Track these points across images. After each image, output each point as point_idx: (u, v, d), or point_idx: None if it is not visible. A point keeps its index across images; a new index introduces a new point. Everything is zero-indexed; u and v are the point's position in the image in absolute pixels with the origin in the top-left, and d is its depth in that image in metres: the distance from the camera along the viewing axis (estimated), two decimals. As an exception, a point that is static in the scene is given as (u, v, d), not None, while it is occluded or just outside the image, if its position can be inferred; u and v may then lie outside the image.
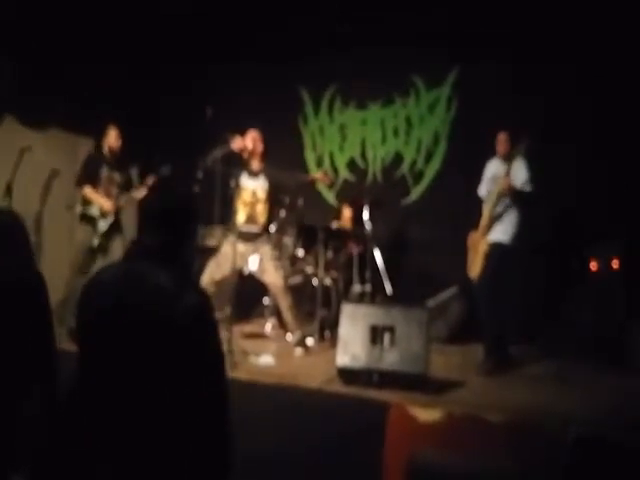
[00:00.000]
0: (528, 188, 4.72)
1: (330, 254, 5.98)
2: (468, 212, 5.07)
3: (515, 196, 4.73)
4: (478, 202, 5.02)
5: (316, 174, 6.26)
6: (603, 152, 5.53)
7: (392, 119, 6.97)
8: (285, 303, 5.24)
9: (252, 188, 5.28)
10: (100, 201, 5.41)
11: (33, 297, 2.15)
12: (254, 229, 5.24)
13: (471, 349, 5.24)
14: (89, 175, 5.45)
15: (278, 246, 5.81)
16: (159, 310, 1.62)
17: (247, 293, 5.72)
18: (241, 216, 5.19)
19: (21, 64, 5.94)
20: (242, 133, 5.19)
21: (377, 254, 6.17)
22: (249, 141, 5.18)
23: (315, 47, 6.68)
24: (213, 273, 5.12)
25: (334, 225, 6.29)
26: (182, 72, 7.26)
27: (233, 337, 4.68)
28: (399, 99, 6.91)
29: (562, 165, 5.54)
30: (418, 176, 6.79)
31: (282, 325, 5.62)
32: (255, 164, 5.30)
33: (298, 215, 6.06)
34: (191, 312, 1.62)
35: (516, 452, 3.12)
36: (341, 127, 7.23)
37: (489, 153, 5.02)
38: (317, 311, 5.45)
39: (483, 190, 5.03)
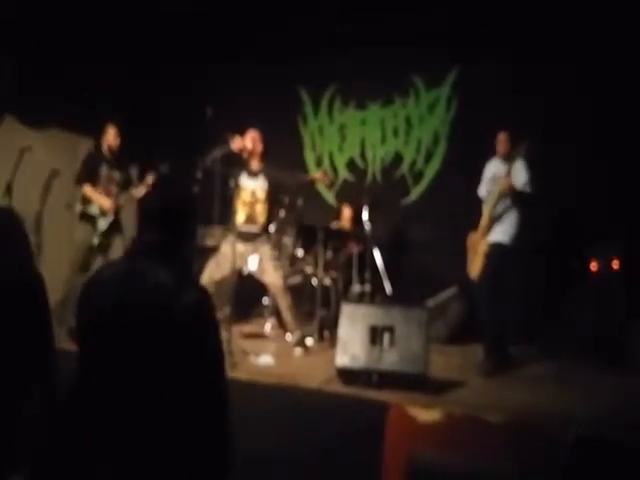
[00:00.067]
0: (528, 189, 4.72)
1: (329, 254, 5.98)
2: (468, 212, 5.07)
3: (515, 197, 4.73)
4: (478, 202, 5.01)
5: (315, 174, 6.26)
6: (603, 152, 5.53)
7: (392, 119, 6.98)
8: (284, 303, 5.24)
9: (251, 188, 5.28)
10: (100, 200, 5.41)
11: (32, 296, 2.15)
12: (253, 229, 5.24)
13: (471, 349, 5.23)
14: (88, 173, 5.44)
15: (277, 246, 5.81)
16: (159, 308, 1.62)
17: (246, 293, 5.72)
18: (240, 216, 5.19)
19: (21, 64, 5.94)
20: (242, 133, 5.19)
21: (377, 254, 6.17)
22: (249, 141, 5.18)
23: (315, 47, 6.68)
24: (212, 273, 5.12)
25: (333, 225, 6.29)
26: (182, 72, 7.27)
27: (232, 337, 4.69)
28: (399, 99, 6.91)
29: (562, 165, 5.54)
30: (418, 176, 6.79)
31: (281, 325, 5.62)
32: (255, 164, 5.30)
33: (297, 215, 6.06)
34: (191, 310, 1.61)
35: (516, 452, 3.12)
36: (341, 127, 7.23)
37: (489, 153, 5.02)
38: (316, 311, 5.45)
39: (483, 190, 5.03)
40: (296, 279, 5.77)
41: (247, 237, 5.18)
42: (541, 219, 5.46)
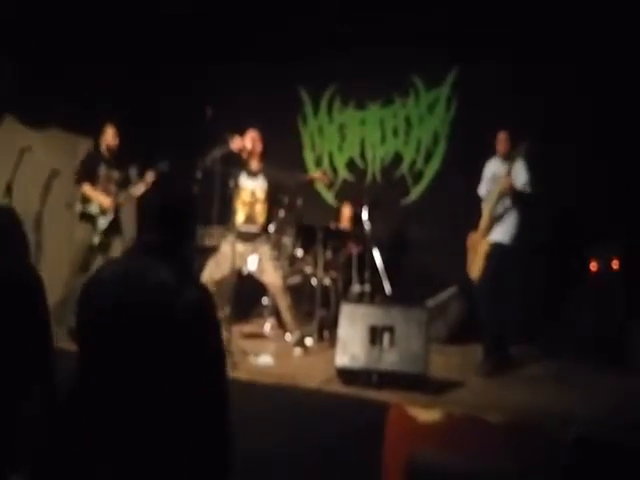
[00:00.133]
0: (528, 189, 4.72)
1: (329, 254, 5.98)
2: (468, 212, 5.07)
3: (515, 197, 4.72)
4: (478, 202, 5.01)
5: (315, 174, 6.27)
6: (603, 152, 5.53)
7: (391, 119, 6.97)
8: (284, 303, 5.24)
9: (251, 188, 5.28)
10: (99, 198, 5.41)
11: (30, 296, 2.14)
12: (253, 229, 5.24)
13: (471, 349, 5.23)
14: (87, 173, 5.45)
15: (277, 246, 5.81)
16: (160, 306, 1.61)
17: (246, 293, 5.72)
18: (240, 216, 5.19)
19: (21, 64, 5.94)
20: (241, 133, 5.19)
21: (376, 254, 6.16)
22: (248, 141, 5.18)
23: (315, 47, 6.68)
24: (212, 273, 5.12)
25: (333, 225, 6.29)
26: (182, 72, 7.26)
27: (232, 337, 4.68)
28: (398, 99, 6.91)
29: (562, 165, 5.54)
30: (417, 176, 6.79)
31: (281, 325, 5.62)
32: (254, 164, 5.30)
33: (297, 215, 6.06)
34: (192, 308, 1.61)
35: (516, 452, 3.12)
36: (340, 127, 7.23)
37: (489, 153, 5.02)
38: (316, 311, 5.44)
39: (483, 189, 5.03)
40: (296, 279, 5.77)
41: (247, 237, 5.18)
42: (541, 219, 5.46)
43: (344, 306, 4.34)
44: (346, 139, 7.21)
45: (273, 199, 5.52)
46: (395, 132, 6.96)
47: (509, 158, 4.75)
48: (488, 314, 4.70)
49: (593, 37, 5.57)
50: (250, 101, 6.89)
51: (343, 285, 5.93)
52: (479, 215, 4.89)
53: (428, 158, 6.75)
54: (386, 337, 4.08)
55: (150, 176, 5.48)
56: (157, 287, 1.64)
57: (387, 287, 6.09)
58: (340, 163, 7.21)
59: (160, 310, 1.61)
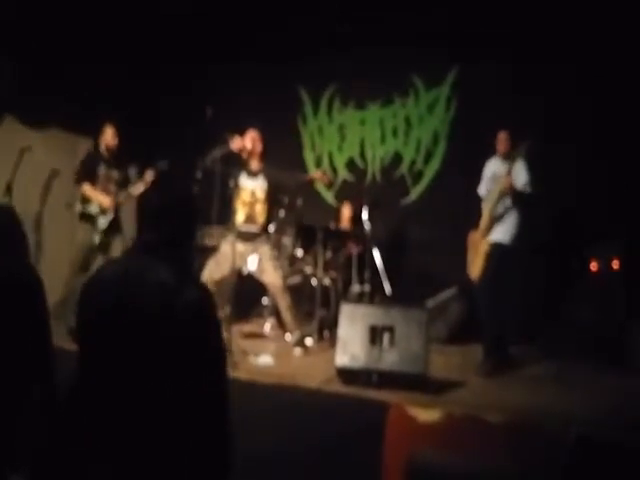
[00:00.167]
0: (528, 189, 4.72)
1: (329, 254, 5.97)
2: (468, 212, 5.07)
3: (516, 196, 4.72)
4: (478, 202, 5.01)
5: (315, 173, 6.26)
6: (603, 152, 5.53)
7: (391, 119, 6.97)
8: (284, 303, 5.24)
9: (251, 188, 5.28)
10: (99, 198, 5.41)
11: (30, 296, 2.14)
12: (253, 229, 5.24)
13: (471, 349, 5.23)
14: (87, 173, 5.44)
15: (277, 246, 5.81)
16: (160, 306, 1.61)
17: (246, 293, 5.72)
18: (240, 216, 5.20)
19: (21, 64, 5.94)
20: (241, 133, 5.19)
21: (376, 254, 6.16)
22: (248, 141, 5.18)
23: (315, 47, 6.68)
24: (212, 273, 5.12)
25: (333, 225, 6.29)
26: (182, 72, 7.26)
27: (232, 337, 4.68)
28: (398, 99, 6.91)
29: (562, 165, 5.54)
30: (417, 176, 6.79)
31: (281, 325, 5.61)
32: (254, 164, 5.30)
33: (297, 215, 6.06)
34: (192, 307, 1.61)
35: (516, 452, 3.12)
36: (340, 127, 7.23)
37: (489, 153, 5.03)
38: (316, 311, 5.44)
39: (483, 189, 5.03)
40: (295, 279, 5.77)
41: (247, 237, 5.18)
42: (541, 219, 5.46)
43: (344, 306, 4.34)
44: (346, 139, 7.21)
45: (273, 199, 5.52)
46: (395, 132, 6.96)
47: (509, 158, 4.75)
48: (488, 314, 4.70)
49: (593, 37, 5.57)
50: (250, 101, 6.89)
51: (343, 285, 5.93)
52: (479, 215, 4.89)
53: (428, 158, 6.75)
54: (386, 337, 4.08)
55: (149, 175, 5.47)
56: (157, 287, 1.64)
57: (387, 287, 6.09)
58: (340, 163, 7.22)
59: (160, 310, 1.61)
